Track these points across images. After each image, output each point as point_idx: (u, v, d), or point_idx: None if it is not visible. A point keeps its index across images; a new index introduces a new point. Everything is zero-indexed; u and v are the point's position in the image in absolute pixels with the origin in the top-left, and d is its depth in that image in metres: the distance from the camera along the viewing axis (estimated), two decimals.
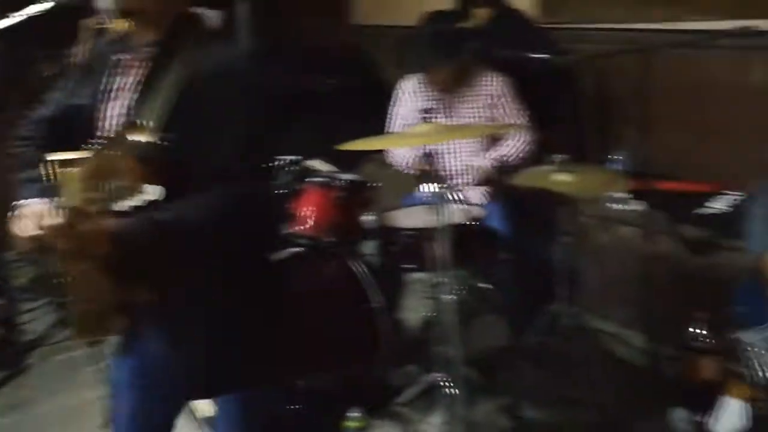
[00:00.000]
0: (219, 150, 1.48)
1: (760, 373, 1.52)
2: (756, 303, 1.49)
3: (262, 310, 1.68)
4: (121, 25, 1.58)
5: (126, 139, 1.37)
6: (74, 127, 1.58)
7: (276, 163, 2.78)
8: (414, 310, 3.18)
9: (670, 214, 3.06)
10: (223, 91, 1.51)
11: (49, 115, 1.69)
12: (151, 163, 1.38)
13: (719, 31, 3.08)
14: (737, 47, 2.77)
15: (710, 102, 3.28)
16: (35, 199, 1.55)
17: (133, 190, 1.39)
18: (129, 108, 1.55)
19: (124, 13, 1.54)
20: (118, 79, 1.59)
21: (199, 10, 1.64)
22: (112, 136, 1.45)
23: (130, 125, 1.41)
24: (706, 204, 3.06)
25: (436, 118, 2.51)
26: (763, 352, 1.53)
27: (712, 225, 2.96)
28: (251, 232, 1.60)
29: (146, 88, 1.51)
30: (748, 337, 1.55)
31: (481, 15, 3.49)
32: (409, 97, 3.31)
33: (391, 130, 3.43)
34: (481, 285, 3.06)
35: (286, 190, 2.78)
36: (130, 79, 1.58)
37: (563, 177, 2.68)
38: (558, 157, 2.69)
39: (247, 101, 1.54)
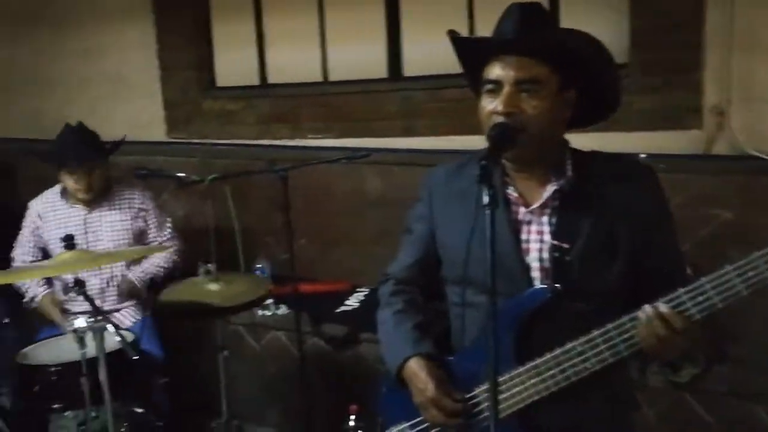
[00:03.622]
0: None
1: None
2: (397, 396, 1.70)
3: None
4: None
5: None
6: None
7: None
8: None
9: (313, 314, 3.28)
10: None
11: None
12: None
13: (337, 148, 3.51)
14: (353, 163, 3.18)
15: (334, 210, 3.66)
16: None
17: None
18: None
19: None
20: None
21: None
22: None
23: None
24: (343, 302, 3.38)
25: (77, 244, 2.35)
26: None
27: (349, 320, 3.25)
28: None
29: None
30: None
31: None
32: (40, 220, 3.10)
33: (13, 259, 3.17)
34: (133, 410, 2.89)
35: None
36: None
37: (213, 286, 2.71)
38: (207, 267, 2.71)
39: None
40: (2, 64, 4.50)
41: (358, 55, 3.67)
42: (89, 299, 2.24)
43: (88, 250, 2.70)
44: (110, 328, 2.18)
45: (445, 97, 3.36)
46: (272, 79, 3.93)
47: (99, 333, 2.18)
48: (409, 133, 3.51)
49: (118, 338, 2.20)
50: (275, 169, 2.67)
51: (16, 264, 3.16)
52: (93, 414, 2.40)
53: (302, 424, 3.06)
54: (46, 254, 3.16)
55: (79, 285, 2.25)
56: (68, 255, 2.26)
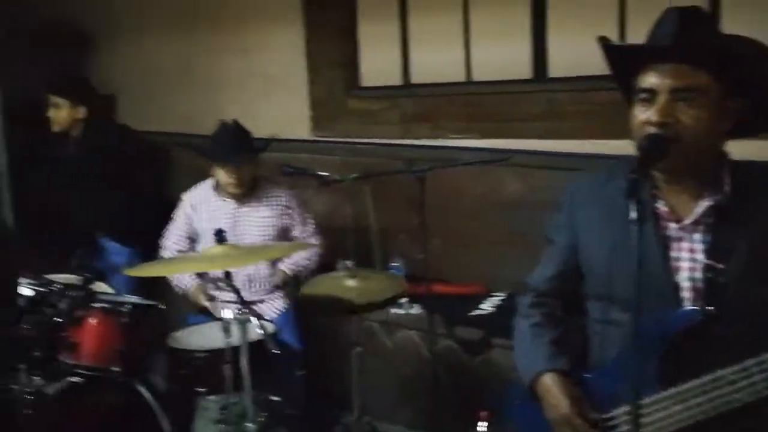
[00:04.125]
0: None
1: None
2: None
3: None
4: None
5: None
6: None
7: (53, 287, 2.56)
8: None
9: (446, 315, 3.27)
10: None
11: None
12: None
13: (477, 149, 3.48)
14: (490, 164, 3.14)
15: (470, 211, 3.64)
16: None
17: None
18: None
19: None
20: None
21: None
22: None
23: None
24: (477, 305, 3.35)
25: (228, 239, 2.47)
26: None
27: (483, 325, 3.22)
28: None
29: None
30: None
31: None
32: (192, 212, 3.29)
33: (164, 247, 3.36)
34: (271, 398, 3.01)
35: (64, 318, 2.54)
36: None
37: (351, 283, 2.76)
38: (346, 263, 2.77)
39: None
40: (163, 61, 4.79)
41: (502, 55, 3.61)
42: (236, 290, 2.35)
43: (236, 244, 2.84)
44: (254, 320, 2.28)
45: (592, 99, 3.24)
46: (415, 78, 3.95)
47: (243, 324, 2.29)
48: (553, 135, 3.42)
49: (260, 331, 2.30)
50: (413, 170, 2.69)
51: (166, 252, 3.34)
52: (234, 400, 2.52)
53: (432, 426, 3.07)
54: (193, 243, 3.36)
55: (227, 277, 2.37)
56: (218, 249, 2.39)
